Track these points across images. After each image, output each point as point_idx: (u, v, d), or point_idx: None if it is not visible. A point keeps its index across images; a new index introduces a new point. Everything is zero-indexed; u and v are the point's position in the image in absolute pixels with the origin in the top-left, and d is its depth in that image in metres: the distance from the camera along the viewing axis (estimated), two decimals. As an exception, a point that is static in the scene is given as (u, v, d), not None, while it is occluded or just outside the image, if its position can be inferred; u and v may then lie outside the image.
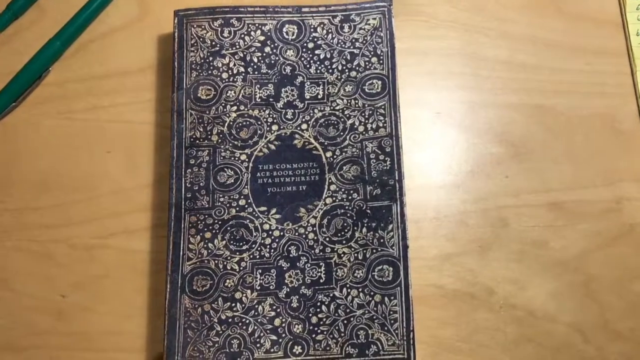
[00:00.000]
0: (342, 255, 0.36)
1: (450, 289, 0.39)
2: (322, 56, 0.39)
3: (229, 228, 0.36)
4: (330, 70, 0.39)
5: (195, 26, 0.39)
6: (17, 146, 0.41)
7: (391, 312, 0.35)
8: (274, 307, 0.35)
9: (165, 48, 0.43)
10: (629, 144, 0.42)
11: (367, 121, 0.38)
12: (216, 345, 0.35)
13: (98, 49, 0.43)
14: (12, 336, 0.38)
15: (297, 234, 0.36)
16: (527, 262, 0.40)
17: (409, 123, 0.41)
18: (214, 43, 0.39)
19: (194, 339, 0.35)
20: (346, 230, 0.36)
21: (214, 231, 0.36)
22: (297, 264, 0.36)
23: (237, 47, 0.39)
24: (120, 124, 0.41)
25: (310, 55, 0.39)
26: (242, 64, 0.39)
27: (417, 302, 0.38)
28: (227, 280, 0.36)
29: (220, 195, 0.37)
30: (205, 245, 0.36)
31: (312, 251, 0.36)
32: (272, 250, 0.36)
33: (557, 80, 0.43)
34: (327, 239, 0.36)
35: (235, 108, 0.38)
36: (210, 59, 0.39)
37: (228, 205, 0.37)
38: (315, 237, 0.36)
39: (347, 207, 0.37)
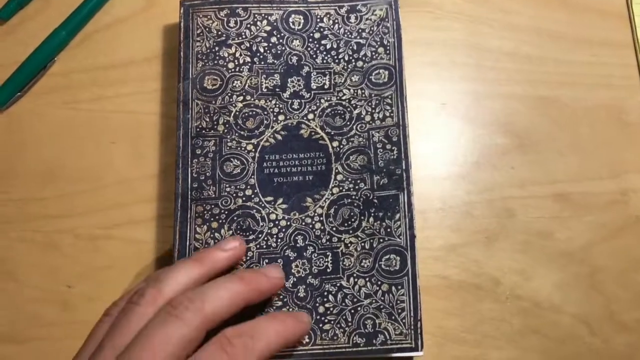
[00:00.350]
0: (349, 244, 0.36)
1: (455, 280, 0.39)
2: (328, 46, 0.39)
3: (235, 218, 0.36)
4: (337, 61, 0.39)
5: (201, 16, 0.39)
6: (22, 136, 0.41)
7: (398, 302, 0.35)
8: (281, 297, 0.35)
9: (170, 38, 0.43)
10: (635, 136, 0.42)
11: (373, 111, 0.38)
12: None
13: (103, 39, 0.43)
14: (17, 327, 0.38)
15: (303, 223, 0.36)
16: (532, 253, 0.40)
17: (414, 114, 0.41)
18: (220, 33, 0.39)
19: None
20: (353, 220, 0.36)
21: (220, 221, 0.36)
22: (304, 253, 0.36)
23: (243, 37, 0.39)
24: (126, 115, 0.41)
25: (317, 46, 0.39)
26: (248, 54, 0.39)
27: (423, 293, 0.38)
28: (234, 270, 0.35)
29: (227, 185, 0.37)
30: (211, 235, 0.36)
31: (319, 241, 0.36)
32: (279, 240, 0.36)
33: (562, 71, 0.43)
34: (334, 228, 0.36)
35: (241, 98, 0.38)
36: (217, 48, 0.39)
37: (234, 195, 0.36)
38: (322, 227, 0.36)
39: (354, 197, 0.37)
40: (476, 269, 0.39)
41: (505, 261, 0.40)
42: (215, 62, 0.38)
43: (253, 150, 0.37)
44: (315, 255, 0.36)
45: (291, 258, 0.36)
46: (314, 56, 0.39)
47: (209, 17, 0.39)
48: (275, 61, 0.39)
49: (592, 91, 0.43)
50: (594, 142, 0.42)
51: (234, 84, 0.38)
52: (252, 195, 0.37)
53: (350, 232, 0.36)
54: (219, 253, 0.33)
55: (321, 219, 0.36)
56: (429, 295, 0.38)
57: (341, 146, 0.37)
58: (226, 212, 0.36)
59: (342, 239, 0.36)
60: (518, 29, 0.44)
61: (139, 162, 0.40)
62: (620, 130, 0.42)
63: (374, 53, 0.39)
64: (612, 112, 0.42)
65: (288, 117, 0.38)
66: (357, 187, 0.37)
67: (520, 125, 0.42)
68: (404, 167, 0.37)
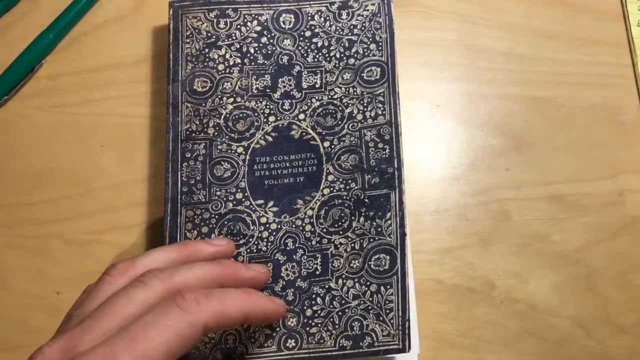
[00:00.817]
0: (338, 246, 0.35)
1: (450, 283, 0.39)
2: (319, 44, 0.38)
3: (226, 222, 0.36)
4: (328, 59, 0.38)
5: (190, 17, 0.39)
6: (9, 140, 0.40)
7: (387, 302, 0.34)
8: None
9: (160, 40, 0.42)
10: (631, 136, 0.42)
11: (365, 109, 0.37)
12: (212, 341, 0.34)
13: (92, 41, 0.42)
14: (6, 334, 0.37)
15: (294, 226, 0.36)
16: (528, 255, 0.39)
17: (408, 115, 0.41)
18: (209, 34, 0.38)
19: None
20: (343, 221, 0.36)
21: (210, 226, 0.36)
22: (294, 256, 0.35)
23: (234, 38, 0.38)
24: (114, 118, 0.41)
25: (308, 44, 0.38)
26: (239, 55, 0.38)
27: (417, 297, 0.38)
28: None
29: (217, 189, 0.36)
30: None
31: (309, 243, 0.35)
32: (269, 244, 0.35)
33: (558, 71, 0.43)
34: (324, 230, 0.36)
35: (231, 100, 0.37)
36: (206, 50, 0.38)
37: (225, 199, 0.36)
38: (312, 229, 0.36)
39: (344, 197, 0.36)
40: (471, 272, 0.39)
41: (501, 264, 0.39)
42: (205, 64, 0.38)
43: (243, 152, 0.37)
44: (305, 257, 0.35)
45: (281, 261, 0.35)
46: (305, 55, 0.38)
47: (198, 18, 0.38)
48: (266, 61, 0.38)
49: (588, 91, 0.42)
50: (590, 143, 0.41)
51: (224, 86, 0.38)
52: (243, 199, 0.36)
53: (341, 232, 0.35)
54: (204, 245, 0.32)
55: (311, 220, 0.36)
56: (423, 299, 0.38)
57: (332, 146, 0.37)
58: (216, 217, 0.36)
59: (332, 240, 0.35)
60: (513, 28, 0.43)
61: (129, 165, 0.40)
62: (616, 130, 0.42)
63: (365, 50, 0.38)
64: (608, 112, 0.42)
65: (279, 118, 0.37)
66: (348, 187, 0.36)
67: (515, 125, 0.42)
68: (395, 166, 0.36)
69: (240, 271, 0.31)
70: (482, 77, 0.42)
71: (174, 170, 0.36)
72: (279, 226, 0.36)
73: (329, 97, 0.37)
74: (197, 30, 0.38)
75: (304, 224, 0.36)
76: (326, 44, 0.38)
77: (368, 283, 0.35)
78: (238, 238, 0.35)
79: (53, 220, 0.39)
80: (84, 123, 0.41)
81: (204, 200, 0.36)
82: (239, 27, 0.38)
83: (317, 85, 0.38)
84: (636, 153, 0.41)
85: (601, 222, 0.40)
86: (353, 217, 0.36)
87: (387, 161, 0.36)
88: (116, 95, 0.41)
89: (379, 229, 0.35)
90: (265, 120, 0.37)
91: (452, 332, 0.38)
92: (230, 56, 0.38)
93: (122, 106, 0.41)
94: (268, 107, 0.37)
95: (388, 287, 0.35)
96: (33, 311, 0.38)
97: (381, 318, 0.34)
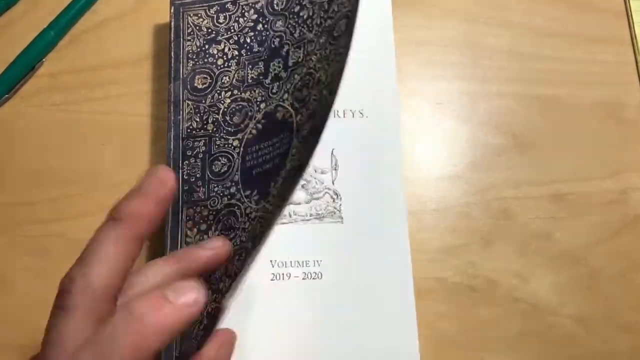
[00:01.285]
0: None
1: (451, 282, 0.39)
2: (305, 16, 0.36)
3: (221, 217, 0.35)
4: (310, 28, 0.37)
5: (191, 15, 0.39)
6: (10, 139, 0.40)
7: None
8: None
9: (160, 38, 0.42)
10: (633, 134, 0.41)
11: (328, 68, 0.35)
12: (199, 337, 0.34)
13: (93, 39, 0.42)
14: (6, 334, 0.37)
15: (263, 211, 0.35)
16: (530, 254, 0.39)
17: (409, 114, 0.41)
18: (210, 30, 0.38)
19: (187, 333, 0.34)
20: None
21: (208, 222, 0.35)
22: (254, 240, 0.34)
23: (232, 31, 0.38)
24: (115, 116, 0.41)
25: (296, 19, 0.37)
26: (236, 47, 0.38)
27: (418, 296, 0.37)
28: (216, 272, 0.34)
29: (215, 185, 0.36)
30: (201, 238, 0.35)
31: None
32: (248, 233, 0.35)
33: (559, 69, 0.43)
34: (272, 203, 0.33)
35: (229, 94, 0.37)
36: (206, 46, 0.38)
37: (221, 194, 0.36)
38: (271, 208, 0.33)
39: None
40: (472, 271, 0.39)
41: (502, 263, 0.39)
42: (205, 60, 0.38)
43: (238, 145, 0.36)
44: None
45: (248, 248, 0.34)
46: (293, 32, 0.37)
47: (199, 15, 0.38)
48: (260, 48, 0.37)
49: (590, 89, 0.42)
50: (592, 141, 0.41)
51: (223, 80, 0.37)
52: (235, 192, 0.35)
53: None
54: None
55: (269, 199, 0.33)
56: (424, 298, 0.38)
57: (302, 119, 0.33)
58: (214, 213, 0.35)
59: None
60: (514, 26, 0.43)
61: (130, 164, 0.40)
62: (618, 128, 0.42)
63: (340, 5, 0.35)
64: (610, 110, 0.42)
65: (268, 103, 0.36)
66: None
67: (516, 124, 0.41)
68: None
69: (197, 255, 0.30)
70: (482, 75, 0.42)
71: (175, 169, 0.36)
72: (256, 214, 0.35)
73: (307, 67, 0.35)
74: (197, 27, 0.38)
75: (267, 206, 0.33)
76: (310, 13, 0.36)
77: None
78: (229, 232, 0.35)
79: (54, 220, 0.39)
80: (84, 121, 0.41)
81: (203, 197, 0.36)
82: (237, 19, 0.38)
83: (300, 60, 0.36)
84: (638, 151, 0.41)
85: (603, 221, 0.40)
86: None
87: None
88: (117, 94, 0.41)
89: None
90: (257, 108, 0.36)
91: (453, 331, 0.38)
92: (229, 49, 0.38)
93: (123, 104, 0.41)
94: (260, 94, 0.36)
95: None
96: (34, 311, 0.37)
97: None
